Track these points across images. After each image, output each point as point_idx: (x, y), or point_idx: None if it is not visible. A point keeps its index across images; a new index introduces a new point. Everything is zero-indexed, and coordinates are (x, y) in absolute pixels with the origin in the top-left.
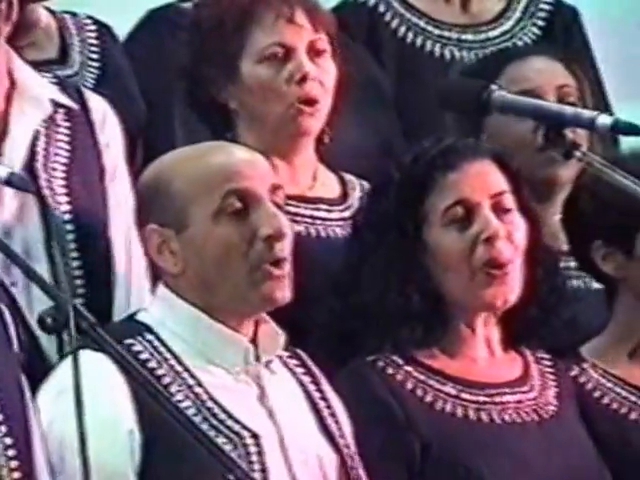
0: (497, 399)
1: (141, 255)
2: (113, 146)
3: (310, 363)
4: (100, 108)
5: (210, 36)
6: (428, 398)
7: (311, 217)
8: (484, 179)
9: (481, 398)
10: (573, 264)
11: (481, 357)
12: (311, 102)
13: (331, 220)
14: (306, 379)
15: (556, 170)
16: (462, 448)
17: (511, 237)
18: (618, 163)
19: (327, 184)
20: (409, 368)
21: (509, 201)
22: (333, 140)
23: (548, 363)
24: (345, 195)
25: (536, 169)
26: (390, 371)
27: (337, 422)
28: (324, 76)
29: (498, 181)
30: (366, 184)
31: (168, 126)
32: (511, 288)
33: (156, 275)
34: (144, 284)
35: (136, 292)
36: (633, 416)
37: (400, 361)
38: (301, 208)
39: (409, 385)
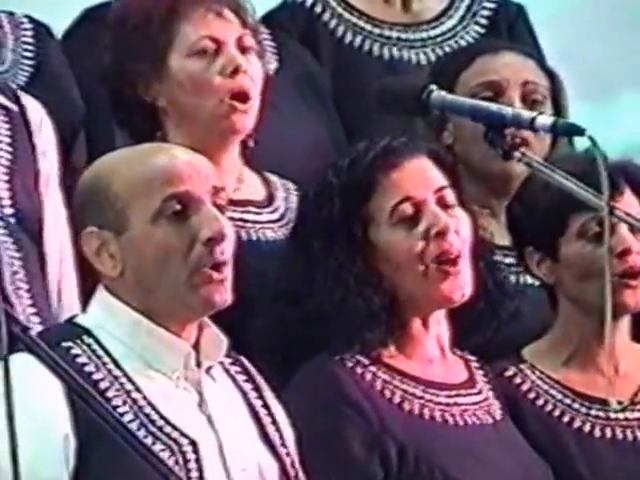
0: (457, 400)
1: (72, 270)
2: (49, 155)
3: (252, 370)
4: (37, 112)
5: (137, 32)
6: (397, 399)
7: (241, 220)
8: (425, 175)
9: (443, 399)
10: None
11: (435, 357)
12: (243, 97)
13: (261, 222)
14: (247, 386)
15: (509, 165)
16: (436, 451)
17: (458, 231)
18: (559, 163)
19: (252, 186)
20: (374, 368)
21: (451, 196)
22: (257, 143)
23: (477, 365)
24: (271, 197)
25: (491, 164)
26: (359, 370)
27: (278, 430)
28: (253, 71)
29: (438, 177)
30: (291, 185)
31: (107, 126)
32: (466, 282)
33: (89, 285)
34: (74, 300)
35: (67, 306)
36: (566, 419)
37: (366, 361)
38: (229, 211)
39: (378, 386)
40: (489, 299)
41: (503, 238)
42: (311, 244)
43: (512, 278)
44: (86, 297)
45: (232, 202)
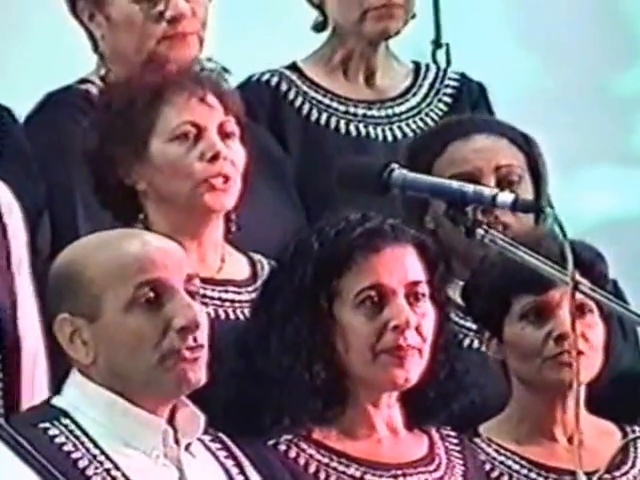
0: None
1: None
2: (20, 238)
3: (233, 446)
4: (6, 194)
5: (120, 115)
6: None
7: (219, 299)
8: (403, 266)
9: None
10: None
11: (384, 437)
12: (223, 179)
13: (240, 302)
14: (229, 463)
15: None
16: None
17: (420, 327)
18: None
19: (235, 265)
20: (312, 451)
21: (423, 289)
22: (240, 229)
23: (454, 441)
24: (255, 276)
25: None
26: (292, 454)
27: None
28: (235, 157)
29: (416, 269)
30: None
31: (69, 210)
32: (413, 369)
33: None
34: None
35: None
36: None
37: (303, 444)
38: (208, 290)
39: (312, 468)
40: (440, 390)
41: None
42: (275, 303)
43: (476, 343)
44: (59, 380)
45: (212, 281)
